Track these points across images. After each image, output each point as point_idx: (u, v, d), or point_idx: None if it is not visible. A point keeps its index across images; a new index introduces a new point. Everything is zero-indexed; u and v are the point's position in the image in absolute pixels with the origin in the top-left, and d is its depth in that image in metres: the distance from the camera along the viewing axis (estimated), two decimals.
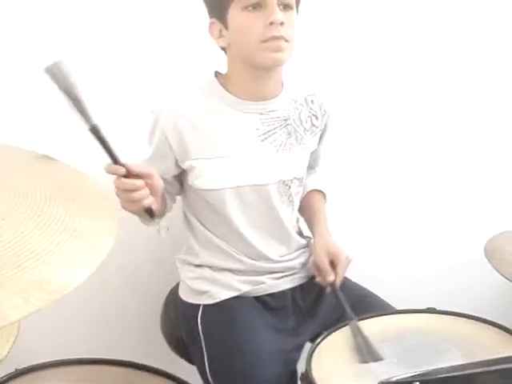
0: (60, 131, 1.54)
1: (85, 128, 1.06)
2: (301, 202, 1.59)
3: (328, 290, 1.49)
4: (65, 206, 0.78)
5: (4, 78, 1.51)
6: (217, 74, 1.46)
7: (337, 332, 1.33)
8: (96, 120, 1.07)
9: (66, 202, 0.79)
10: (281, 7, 1.33)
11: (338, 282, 1.47)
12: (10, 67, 1.51)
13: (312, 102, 1.52)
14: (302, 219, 1.64)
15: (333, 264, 1.48)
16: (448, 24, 1.94)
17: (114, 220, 0.80)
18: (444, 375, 0.94)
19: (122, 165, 1.16)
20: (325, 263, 1.48)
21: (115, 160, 1.14)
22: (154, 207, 1.25)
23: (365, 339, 1.26)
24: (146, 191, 1.21)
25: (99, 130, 1.08)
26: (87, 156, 1.22)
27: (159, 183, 1.28)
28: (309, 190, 1.63)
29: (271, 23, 1.31)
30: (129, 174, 1.18)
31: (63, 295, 0.67)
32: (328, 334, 1.32)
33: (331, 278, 1.46)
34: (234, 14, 1.34)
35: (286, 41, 1.34)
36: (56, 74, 1.01)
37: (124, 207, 1.25)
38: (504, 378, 0.90)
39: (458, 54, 1.97)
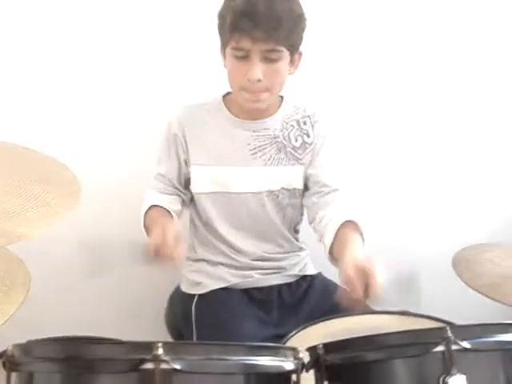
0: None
1: None
2: (334, 235, 1.52)
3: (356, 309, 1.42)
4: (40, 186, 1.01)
5: None
6: (227, 93, 1.66)
7: (311, 327, 1.43)
8: None
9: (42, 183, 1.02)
10: (266, 60, 1.46)
11: (372, 297, 1.28)
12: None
13: (304, 123, 1.66)
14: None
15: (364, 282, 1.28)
16: (447, 31, 2.02)
17: (76, 198, 1.01)
18: (345, 338, 1.06)
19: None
20: (352, 278, 1.28)
21: None
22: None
23: None
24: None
25: None
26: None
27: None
28: (340, 222, 1.52)
29: (248, 80, 1.47)
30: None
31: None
32: (303, 328, 1.42)
33: (359, 293, 1.27)
34: (228, 55, 1.51)
35: (267, 90, 1.51)
36: None
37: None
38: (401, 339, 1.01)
39: (457, 60, 2.04)
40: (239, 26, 1.43)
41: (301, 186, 1.67)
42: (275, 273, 1.67)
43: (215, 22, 1.51)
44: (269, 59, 1.46)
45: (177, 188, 1.64)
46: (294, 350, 1.03)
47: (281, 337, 1.49)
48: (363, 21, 1.98)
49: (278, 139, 1.63)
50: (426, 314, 1.42)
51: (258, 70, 1.45)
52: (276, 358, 0.99)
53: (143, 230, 1.57)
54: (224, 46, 1.52)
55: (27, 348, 0.98)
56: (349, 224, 1.51)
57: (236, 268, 1.64)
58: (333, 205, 1.59)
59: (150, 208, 1.59)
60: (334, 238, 1.50)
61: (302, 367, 1.03)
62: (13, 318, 1.05)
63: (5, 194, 0.99)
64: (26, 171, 1.06)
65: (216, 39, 1.54)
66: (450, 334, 0.96)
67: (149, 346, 0.91)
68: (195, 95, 1.78)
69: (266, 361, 0.97)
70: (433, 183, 2.11)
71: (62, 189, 1.05)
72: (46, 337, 1.12)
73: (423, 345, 0.98)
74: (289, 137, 1.64)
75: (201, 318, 1.59)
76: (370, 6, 1.97)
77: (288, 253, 1.71)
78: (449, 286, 1.56)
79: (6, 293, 1.19)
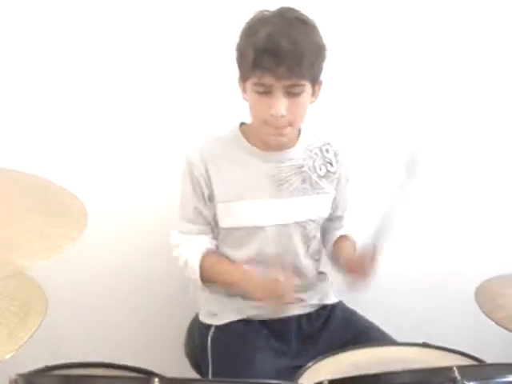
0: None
1: None
2: (332, 246, 1.74)
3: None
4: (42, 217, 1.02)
5: None
6: (242, 124, 1.64)
7: (330, 357, 1.40)
8: None
9: (45, 215, 1.03)
10: (289, 95, 1.44)
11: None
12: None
13: (327, 150, 1.66)
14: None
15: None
16: (447, 36, 2.02)
17: (80, 229, 1.02)
18: (352, 375, 1.03)
19: None
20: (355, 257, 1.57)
21: None
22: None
23: None
24: None
25: None
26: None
27: None
28: (337, 236, 1.74)
29: (272, 115, 1.45)
30: None
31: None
32: (322, 359, 1.39)
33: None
34: (249, 89, 1.48)
35: (290, 125, 1.49)
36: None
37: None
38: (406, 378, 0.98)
39: (466, 66, 2.04)
40: (262, 63, 1.40)
41: (326, 214, 1.67)
42: (295, 303, 1.64)
43: (229, 57, 1.50)
44: (291, 93, 1.44)
45: (210, 224, 1.61)
46: None
47: (299, 368, 1.45)
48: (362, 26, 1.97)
49: (303, 169, 1.62)
50: (447, 346, 1.38)
51: (281, 105, 1.43)
52: None
53: (199, 278, 1.57)
54: (244, 79, 1.49)
55: (29, 379, 0.99)
56: (346, 236, 1.73)
57: (254, 300, 1.59)
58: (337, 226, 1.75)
59: (204, 256, 1.57)
60: (333, 245, 1.71)
61: None
62: (35, 340, 1.08)
63: (10, 225, 1.00)
64: (32, 201, 1.08)
65: (231, 72, 1.52)
66: (456, 374, 0.94)
67: (145, 381, 0.90)
68: (205, 126, 1.82)
69: None
70: (460, 214, 2.11)
71: (68, 220, 1.06)
72: (63, 361, 1.17)
73: None
74: (314, 166, 1.63)
75: (217, 350, 1.57)
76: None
77: (312, 284, 1.69)
78: (473, 316, 1.50)
79: (23, 319, 1.20)
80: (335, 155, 1.66)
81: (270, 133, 1.50)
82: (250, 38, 1.44)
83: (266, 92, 1.43)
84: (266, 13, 1.47)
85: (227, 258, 1.60)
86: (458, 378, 0.93)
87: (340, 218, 1.76)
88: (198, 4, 1.85)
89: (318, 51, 1.46)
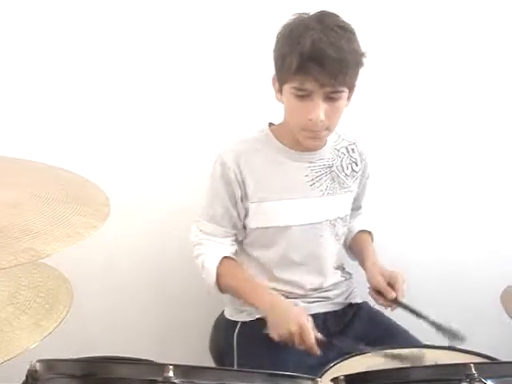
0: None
1: None
2: (350, 241, 1.76)
3: (392, 308, 1.58)
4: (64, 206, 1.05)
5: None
6: (270, 124, 1.65)
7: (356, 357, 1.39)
8: None
9: (67, 203, 1.06)
10: (328, 100, 1.44)
11: (401, 297, 1.55)
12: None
13: (353, 150, 1.68)
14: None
15: (390, 284, 1.57)
16: (446, 36, 2.00)
17: (102, 218, 1.04)
18: (364, 371, 1.02)
19: None
20: (382, 283, 1.57)
21: None
22: None
23: None
24: None
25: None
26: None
27: None
28: (357, 230, 1.79)
29: (310, 120, 1.46)
30: None
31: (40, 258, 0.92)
32: (347, 358, 1.38)
33: (392, 294, 1.55)
34: (287, 92, 1.48)
35: (327, 129, 1.50)
36: None
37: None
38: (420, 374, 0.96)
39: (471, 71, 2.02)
40: (306, 69, 1.40)
41: (350, 211, 1.70)
42: (320, 301, 1.65)
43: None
44: (330, 98, 1.44)
45: (236, 228, 1.62)
46: (314, 380, 1.00)
47: (324, 363, 1.43)
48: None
49: (332, 168, 1.63)
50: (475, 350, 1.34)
51: (321, 111, 1.44)
52: None
53: (214, 283, 1.57)
54: (283, 82, 1.49)
55: (50, 364, 1.01)
56: (364, 232, 1.78)
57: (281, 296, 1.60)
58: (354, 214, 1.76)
59: (222, 261, 1.57)
60: (352, 242, 1.77)
61: None
62: (62, 333, 1.10)
63: (32, 213, 1.03)
64: (57, 191, 1.10)
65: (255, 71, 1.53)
66: (473, 371, 0.92)
67: (160, 368, 0.91)
68: (229, 122, 1.84)
69: None
70: (486, 216, 2.10)
71: (90, 209, 1.08)
72: (87, 354, 1.18)
73: (445, 381, 0.94)
74: (341, 165, 1.65)
75: (242, 346, 1.58)
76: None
77: (338, 282, 1.69)
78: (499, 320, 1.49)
79: (49, 311, 1.23)
80: (360, 155, 1.69)
81: (308, 136, 1.51)
82: (293, 43, 1.43)
83: (305, 96, 1.44)
84: (305, 16, 1.47)
85: (244, 269, 1.60)
86: (476, 374, 0.91)
87: (358, 207, 1.79)
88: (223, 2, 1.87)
89: (359, 59, 1.46)
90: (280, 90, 1.52)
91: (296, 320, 1.41)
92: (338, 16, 1.47)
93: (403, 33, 1.96)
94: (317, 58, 1.39)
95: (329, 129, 1.51)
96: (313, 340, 1.40)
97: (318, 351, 1.41)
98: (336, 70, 1.40)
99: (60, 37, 1.79)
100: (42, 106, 1.82)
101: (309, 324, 1.41)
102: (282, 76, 1.48)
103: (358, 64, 1.46)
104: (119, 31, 1.82)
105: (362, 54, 1.47)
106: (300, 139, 1.54)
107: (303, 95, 1.44)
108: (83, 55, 1.81)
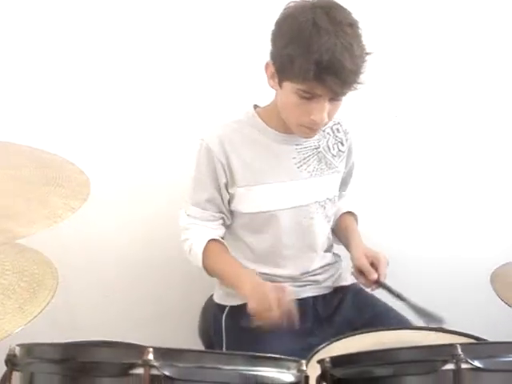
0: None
1: None
2: (335, 223, 1.74)
3: (373, 288, 1.57)
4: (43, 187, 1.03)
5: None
6: (255, 106, 1.61)
7: (344, 339, 1.39)
8: None
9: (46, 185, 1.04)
10: (332, 100, 1.42)
11: (383, 278, 1.54)
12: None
13: (337, 130, 1.65)
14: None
15: (373, 265, 1.55)
16: (447, 36, 1.99)
17: (81, 201, 1.02)
18: (351, 352, 1.01)
19: None
20: (365, 264, 1.55)
21: None
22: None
23: None
24: None
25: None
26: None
27: None
28: (342, 212, 1.78)
29: (313, 120, 1.43)
30: None
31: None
32: (336, 341, 1.37)
33: (374, 275, 1.54)
34: (288, 88, 1.43)
35: (325, 124, 1.49)
36: None
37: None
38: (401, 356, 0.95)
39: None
40: (323, 80, 1.35)
41: (337, 192, 1.68)
42: (309, 285, 1.63)
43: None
44: (334, 99, 1.43)
45: (222, 212, 1.59)
46: (298, 362, 0.99)
47: (312, 346, 1.43)
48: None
49: (319, 149, 1.61)
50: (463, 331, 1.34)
51: (325, 113, 1.42)
52: (275, 370, 0.96)
53: (201, 266, 1.55)
54: (284, 79, 1.43)
55: (29, 348, 0.99)
56: (348, 213, 1.78)
57: (269, 280, 1.57)
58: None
59: (208, 244, 1.55)
60: (336, 224, 1.75)
61: (306, 380, 0.99)
62: (52, 320, 1.08)
63: (11, 194, 1.01)
64: (36, 173, 1.08)
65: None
66: (460, 351, 0.90)
67: (140, 351, 0.89)
68: (213, 108, 1.82)
69: (263, 372, 0.94)
70: (476, 202, 2.11)
71: (69, 191, 1.06)
72: (73, 339, 1.14)
73: (432, 362, 0.93)
74: (328, 146, 1.63)
75: (231, 330, 1.57)
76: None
77: (322, 267, 1.67)
78: (488, 302, 1.48)
79: (33, 294, 1.21)
80: (345, 134, 1.67)
81: (305, 132, 1.50)
82: (304, 46, 1.35)
83: (311, 98, 1.40)
84: (307, 3, 1.40)
85: (229, 252, 1.58)
86: (462, 355, 0.89)
87: (343, 189, 1.77)
88: None
89: (366, 59, 1.42)
90: (278, 83, 1.46)
91: (274, 287, 1.39)
92: (341, 6, 1.41)
93: (402, 30, 1.96)
94: (335, 71, 1.34)
95: (326, 123, 1.50)
96: (292, 306, 1.36)
97: (297, 319, 1.37)
98: (351, 79, 1.38)
99: (52, 31, 1.77)
100: (27, 90, 1.79)
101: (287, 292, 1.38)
102: (287, 75, 1.42)
103: (365, 67, 1.43)
104: (104, 21, 1.80)
105: (367, 54, 1.42)
106: (294, 131, 1.51)
107: (309, 97, 1.40)
108: (69, 43, 1.79)
